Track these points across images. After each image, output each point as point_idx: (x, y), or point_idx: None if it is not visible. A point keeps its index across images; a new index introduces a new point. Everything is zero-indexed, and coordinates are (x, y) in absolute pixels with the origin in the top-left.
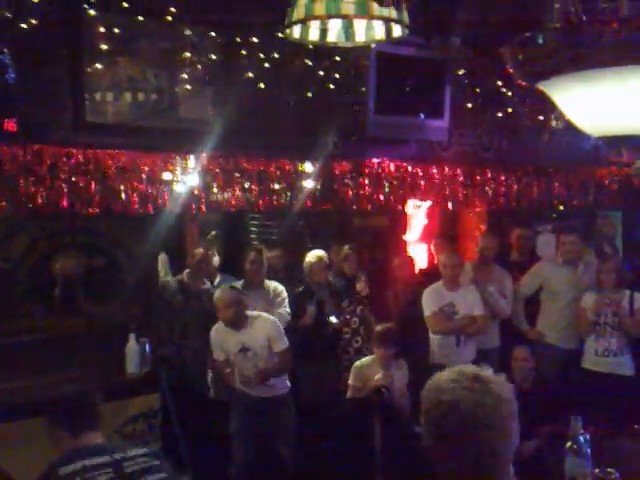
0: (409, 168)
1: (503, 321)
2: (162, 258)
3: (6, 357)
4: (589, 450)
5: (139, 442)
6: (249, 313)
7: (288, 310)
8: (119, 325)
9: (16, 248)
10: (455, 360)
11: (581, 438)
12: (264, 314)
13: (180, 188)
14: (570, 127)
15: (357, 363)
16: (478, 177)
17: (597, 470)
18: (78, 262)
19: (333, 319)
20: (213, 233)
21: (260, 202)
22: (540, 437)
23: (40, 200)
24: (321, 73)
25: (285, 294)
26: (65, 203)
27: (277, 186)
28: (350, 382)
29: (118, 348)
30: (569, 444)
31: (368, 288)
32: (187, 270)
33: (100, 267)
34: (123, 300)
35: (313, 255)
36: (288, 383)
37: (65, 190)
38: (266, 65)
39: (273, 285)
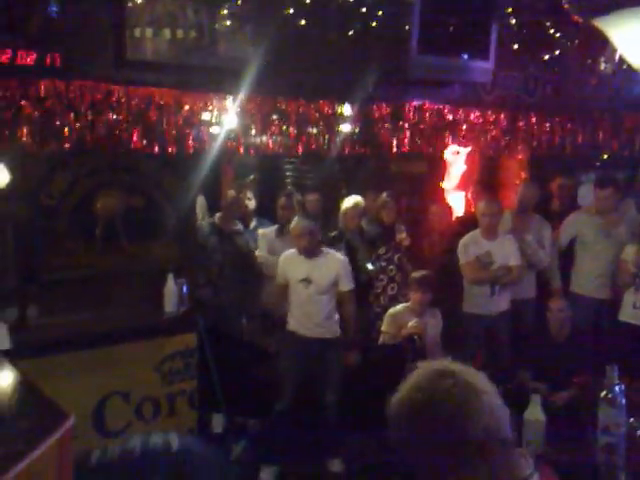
0: (450, 112)
1: (540, 272)
2: (200, 201)
3: (48, 292)
4: (624, 400)
5: (176, 380)
6: (323, 249)
7: None
8: (158, 265)
9: (58, 185)
10: (489, 310)
11: (616, 388)
12: (336, 253)
13: (218, 129)
14: (619, 71)
15: (391, 310)
16: (521, 122)
17: (632, 420)
18: (119, 201)
19: (370, 266)
20: (251, 177)
21: (298, 146)
22: (574, 387)
23: (81, 137)
24: (364, 10)
25: None
26: (106, 141)
27: (315, 130)
28: (383, 329)
29: (156, 288)
30: (604, 393)
31: (408, 238)
32: (219, 213)
33: (139, 207)
34: (161, 241)
35: (350, 201)
36: (339, 330)
37: (105, 128)
38: (307, 1)
39: None
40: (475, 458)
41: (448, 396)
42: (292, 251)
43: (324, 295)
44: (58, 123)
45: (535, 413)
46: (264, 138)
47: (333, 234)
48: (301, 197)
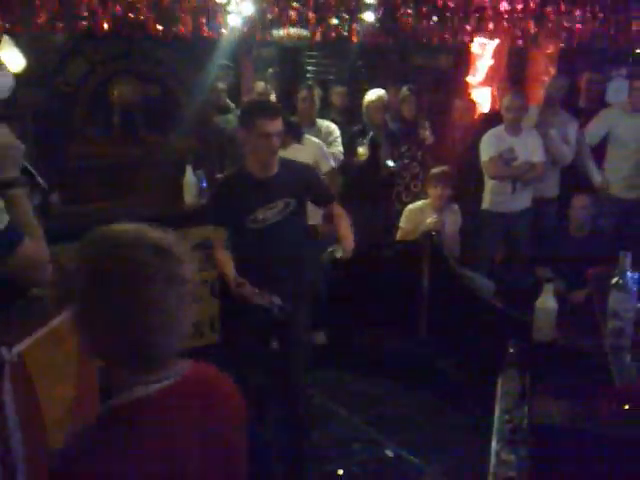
0: None
1: (564, 169)
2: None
3: (69, 180)
4: (636, 288)
5: (198, 269)
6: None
7: (341, 149)
8: (176, 156)
9: (75, 72)
10: (509, 207)
11: (628, 274)
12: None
13: (234, 17)
14: None
15: (410, 206)
16: (551, 11)
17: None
18: (135, 89)
19: (390, 163)
20: (270, 70)
21: (317, 34)
22: (590, 281)
23: (95, 20)
24: None
25: (337, 133)
26: (120, 25)
27: (335, 20)
28: (401, 224)
29: (175, 179)
30: (615, 280)
31: (432, 135)
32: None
33: (156, 96)
34: (179, 131)
35: (373, 94)
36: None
37: (119, 11)
38: None
39: (325, 124)
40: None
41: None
42: None
43: None
44: (69, 6)
45: (547, 301)
46: (282, 28)
47: (356, 128)
48: (321, 91)
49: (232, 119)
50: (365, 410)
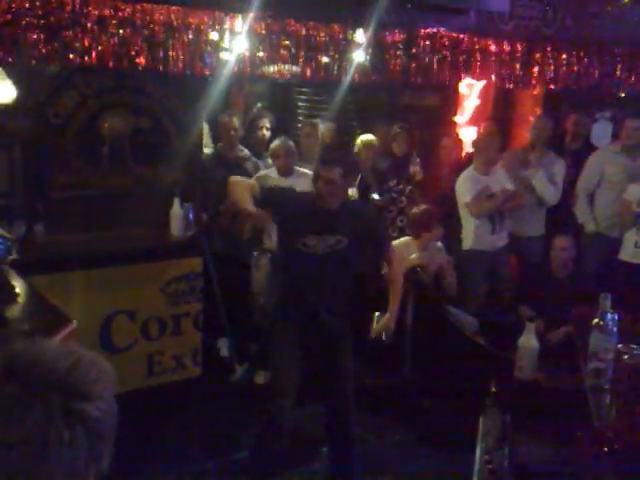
0: (465, 41)
1: (550, 209)
2: (205, 128)
3: (55, 210)
4: (616, 329)
5: (182, 301)
6: (297, 168)
7: None
8: (164, 188)
9: (66, 104)
10: (491, 245)
11: (608, 315)
12: (310, 172)
13: (227, 54)
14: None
15: (395, 242)
16: (538, 55)
17: (620, 345)
18: (126, 122)
19: (375, 196)
20: (259, 105)
21: (307, 72)
22: (571, 322)
23: (87, 54)
24: None
25: None
26: (112, 59)
27: (326, 59)
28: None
29: (163, 211)
30: (596, 321)
31: (421, 172)
32: (220, 142)
33: (146, 129)
34: (168, 164)
35: (362, 140)
36: None
37: (112, 45)
38: None
39: None
40: None
41: None
42: (267, 171)
43: None
44: (63, 39)
45: (529, 340)
46: (273, 65)
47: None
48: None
49: (210, 158)
50: None
